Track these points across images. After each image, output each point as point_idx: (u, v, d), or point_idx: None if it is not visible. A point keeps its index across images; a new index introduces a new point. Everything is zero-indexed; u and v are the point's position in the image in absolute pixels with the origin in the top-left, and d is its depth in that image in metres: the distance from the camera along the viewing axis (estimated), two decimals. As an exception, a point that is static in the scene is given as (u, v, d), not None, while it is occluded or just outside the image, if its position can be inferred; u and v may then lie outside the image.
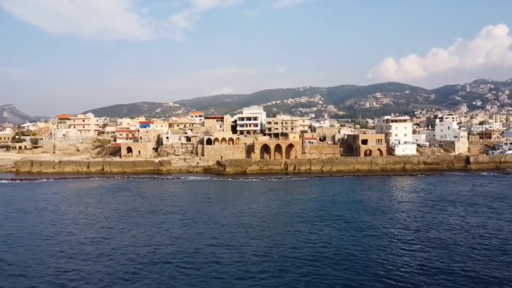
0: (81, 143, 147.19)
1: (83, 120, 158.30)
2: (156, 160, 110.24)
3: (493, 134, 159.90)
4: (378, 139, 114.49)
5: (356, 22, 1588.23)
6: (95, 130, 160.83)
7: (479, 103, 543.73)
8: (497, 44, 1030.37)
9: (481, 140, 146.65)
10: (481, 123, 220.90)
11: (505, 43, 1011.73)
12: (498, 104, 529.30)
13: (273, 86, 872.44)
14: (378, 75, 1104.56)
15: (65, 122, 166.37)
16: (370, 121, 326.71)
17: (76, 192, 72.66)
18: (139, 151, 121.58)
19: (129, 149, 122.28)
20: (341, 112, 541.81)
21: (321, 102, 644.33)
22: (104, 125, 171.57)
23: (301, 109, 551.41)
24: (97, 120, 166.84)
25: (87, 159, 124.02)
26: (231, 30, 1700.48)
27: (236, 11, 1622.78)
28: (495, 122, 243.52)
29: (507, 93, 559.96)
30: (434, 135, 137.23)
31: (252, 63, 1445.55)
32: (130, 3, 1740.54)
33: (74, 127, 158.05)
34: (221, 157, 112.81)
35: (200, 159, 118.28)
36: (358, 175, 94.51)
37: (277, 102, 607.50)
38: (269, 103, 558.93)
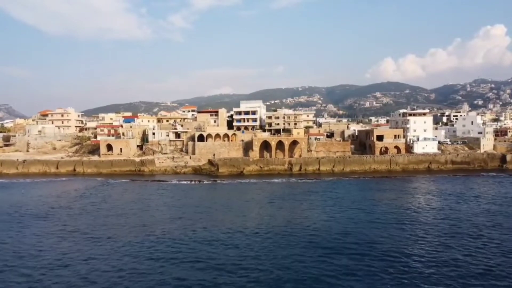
0: (60, 140, 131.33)
1: (62, 115, 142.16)
2: (138, 159, 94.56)
3: (509, 131, 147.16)
4: (396, 135, 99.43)
5: (353, 22, 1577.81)
6: (76, 126, 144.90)
7: (480, 102, 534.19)
8: (495, 44, 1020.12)
9: (505, 137, 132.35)
10: (494, 120, 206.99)
11: (503, 43, 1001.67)
12: (501, 103, 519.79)
13: (272, 86, 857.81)
14: (377, 75, 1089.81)
15: (45, 119, 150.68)
16: (373, 119, 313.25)
17: (20, 200, 56.78)
18: (121, 149, 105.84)
19: (110, 147, 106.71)
20: (340, 112, 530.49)
21: (320, 101, 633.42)
22: (86, 121, 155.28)
23: (300, 108, 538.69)
24: (78, 115, 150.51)
25: (62, 158, 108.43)
26: (229, 30, 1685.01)
27: (234, 11, 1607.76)
28: (505, 119, 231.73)
29: (508, 92, 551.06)
30: (454, 131, 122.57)
31: (251, 63, 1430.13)
32: (128, 2, 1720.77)
33: (52, 122, 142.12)
34: (214, 155, 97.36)
35: (190, 158, 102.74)
36: (377, 176, 79.38)
37: (276, 101, 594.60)
38: (268, 103, 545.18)
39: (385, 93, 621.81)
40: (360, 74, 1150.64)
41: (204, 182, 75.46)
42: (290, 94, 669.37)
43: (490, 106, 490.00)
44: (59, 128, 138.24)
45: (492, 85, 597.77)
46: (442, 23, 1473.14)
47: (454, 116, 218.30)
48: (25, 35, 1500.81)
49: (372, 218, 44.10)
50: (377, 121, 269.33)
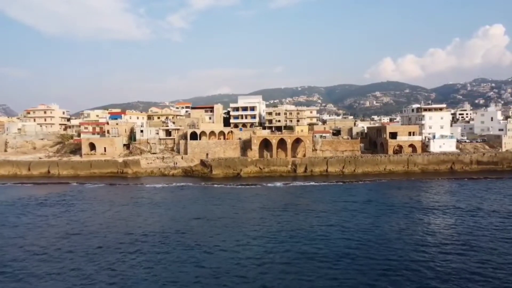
0: (42, 139, 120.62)
1: (45, 112, 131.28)
2: (120, 159, 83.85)
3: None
4: (411, 132, 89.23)
5: (352, 22, 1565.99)
6: (60, 124, 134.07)
7: (481, 102, 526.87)
8: (494, 44, 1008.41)
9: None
10: (506, 117, 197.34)
11: (502, 43, 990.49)
12: (502, 102, 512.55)
13: (271, 86, 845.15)
14: (376, 75, 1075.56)
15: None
16: (376, 118, 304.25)
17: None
18: (105, 148, 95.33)
19: (93, 146, 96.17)
20: (340, 111, 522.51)
21: (319, 101, 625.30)
22: (69, 119, 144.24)
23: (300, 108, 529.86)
24: (63, 113, 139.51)
25: (40, 158, 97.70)
26: (228, 30, 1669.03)
27: (233, 11, 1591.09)
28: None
29: (509, 91, 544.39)
30: (471, 129, 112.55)
31: (250, 63, 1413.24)
32: (126, 2, 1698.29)
33: (35, 120, 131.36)
34: (207, 155, 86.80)
35: (182, 158, 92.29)
36: (395, 178, 68.91)
37: (275, 101, 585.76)
38: (267, 102, 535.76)
39: (385, 93, 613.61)
40: (359, 74, 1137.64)
41: (195, 186, 64.77)
42: (290, 94, 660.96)
43: (492, 105, 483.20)
44: (41, 126, 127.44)
45: (493, 85, 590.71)
46: (440, 23, 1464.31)
47: (460, 114, 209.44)
48: (23, 35, 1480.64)
49: (412, 247, 31.44)
50: (380, 119, 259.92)
